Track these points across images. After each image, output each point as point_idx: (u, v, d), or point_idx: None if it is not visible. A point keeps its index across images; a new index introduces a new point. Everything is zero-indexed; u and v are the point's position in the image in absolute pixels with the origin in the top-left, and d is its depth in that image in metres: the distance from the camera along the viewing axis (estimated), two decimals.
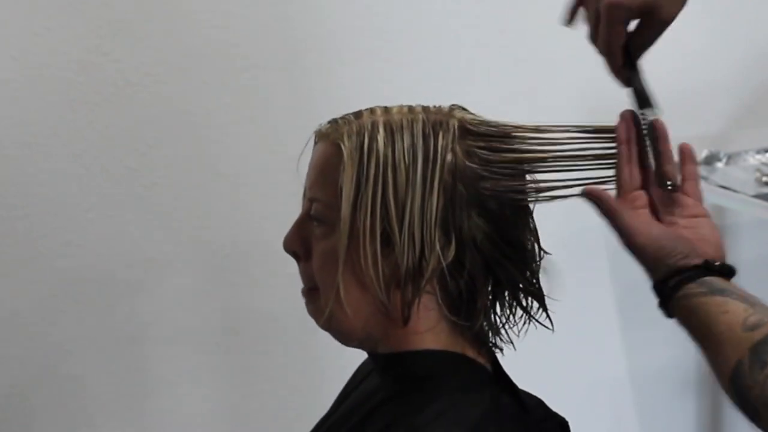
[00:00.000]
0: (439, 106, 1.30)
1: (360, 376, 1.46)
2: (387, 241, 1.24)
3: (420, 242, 1.23)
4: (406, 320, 1.27)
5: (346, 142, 1.25)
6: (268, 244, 2.07)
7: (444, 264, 1.24)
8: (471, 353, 1.32)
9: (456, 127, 1.27)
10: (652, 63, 2.70)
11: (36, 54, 2.03)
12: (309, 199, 1.30)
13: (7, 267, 2.09)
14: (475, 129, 1.27)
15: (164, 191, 2.17)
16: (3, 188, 2.05)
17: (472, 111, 1.32)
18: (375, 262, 1.24)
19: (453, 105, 1.31)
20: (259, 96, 2.22)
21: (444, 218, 1.24)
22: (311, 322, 1.34)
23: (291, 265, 1.36)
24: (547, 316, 1.35)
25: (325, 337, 1.34)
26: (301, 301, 1.36)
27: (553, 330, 1.36)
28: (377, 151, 1.24)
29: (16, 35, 2.02)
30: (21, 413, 2.15)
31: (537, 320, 1.35)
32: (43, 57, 2.04)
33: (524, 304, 1.33)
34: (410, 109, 1.29)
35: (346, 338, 1.32)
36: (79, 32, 2.05)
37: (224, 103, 2.19)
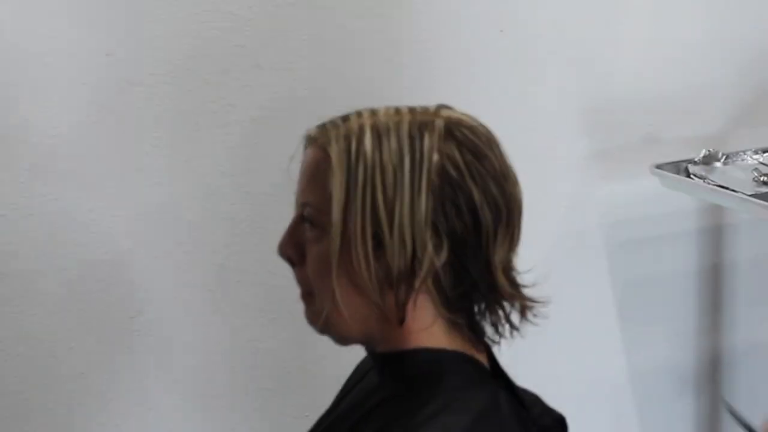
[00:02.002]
0: (426, 106, 1.31)
1: (359, 374, 1.46)
2: (379, 243, 1.24)
3: (411, 243, 1.24)
4: (401, 320, 1.28)
5: (334, 147, 1.26)
6: (269, 244, 2.08)
7: (438, 265, 1.25)
8: (468, 350, 1.32)
9: (442, 127, 1.27)
10: (652, 63, 2.73)
11: (38, 54, 2.04)
12: (301, 204, 1.31)
13: (10, 266, 2.10)
14: (458, 132, 1.28)
15: (167, 191, 2.18)
16: (6, 187, 2.06)
17: (468, 111, 1.33)
18: (367, 265, 1.24)
19: (440, 105, 1.32)
20: (261, 96, 2.22)
21: (434, 219, 1.24)
22: None
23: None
24: (524, 317, 1.34)
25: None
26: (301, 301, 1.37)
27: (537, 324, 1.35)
28: (365, 154, 1.24)
29: (19, 36, 2.03)
30: (22, 413, 2.16)
31: (513, 324, 1.35)
32: (45, 57, 2.05)
33: (505, 305, 1.34)
34: (397, 110, 1.29)
35: (343, 340, 1.33)
36: (82, 33, 2.06)
37: (227, 103, 2.20)
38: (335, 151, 1.25)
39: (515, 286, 1.32)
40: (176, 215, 2.20)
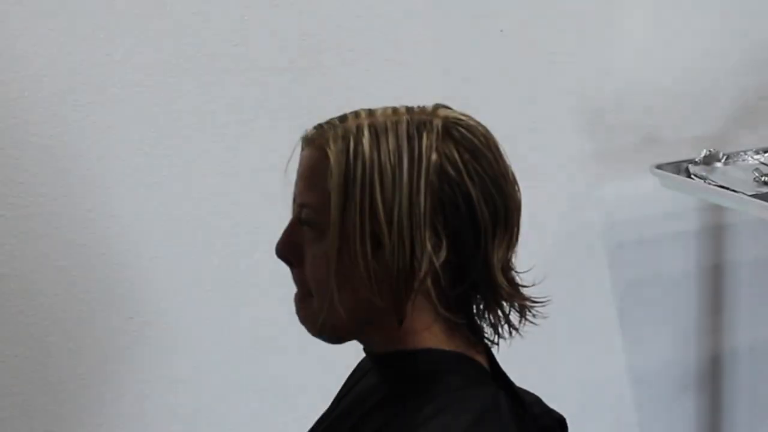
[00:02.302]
0: (423, 106, 1.31)
1: (358, 374, 1.47)
2: (377, 243, 1.24)
3: (410, 243, 1.23)
4: (401, 321, 1.28)
5: (332, 147, 1.26)
6: (270, 245, 2.07)
7: (437, 264, 1.25)
8: (467, 351, 1.32)
9: (440, 126, 1.27)
10: (652, 64, 2.73)
11: (37, 54, 2.04)
12: (299, 205, 1.31)
13: (10, 266, 2.10)
14: (456, 131, 1.28)
15: (166, 191, 2.18)
16: (5, 188, 2.06)
17: (468, 111, 1.33)
18: (366, 264, 1.24)
19: (437, 104, 1.32)
20: (260, 96, 2.22)
21: (433, 218, 1.24)
22: None
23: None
24: (524, 317, 1.34)
25: None
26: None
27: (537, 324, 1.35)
28: (363, 154, 1.24)
29: (18, 35, 2.03)
30: (22, 413, 2.16)
31: (511, 324, 1.34)
32: (44, 56, 2.05)
33: (504, 305, 1.33)
34: (394, 110, 1.29)
35: (338, 340, 1.33)
36: (82, 33, 2.06)
37: (225, 104, 2.20)
38: (333, 152, 1.25)
39: (514, 285, 1.32)
40: (175, 216, 2.20)
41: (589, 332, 2.70)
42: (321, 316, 1.28)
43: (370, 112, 1.29)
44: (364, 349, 1.37)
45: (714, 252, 2.82)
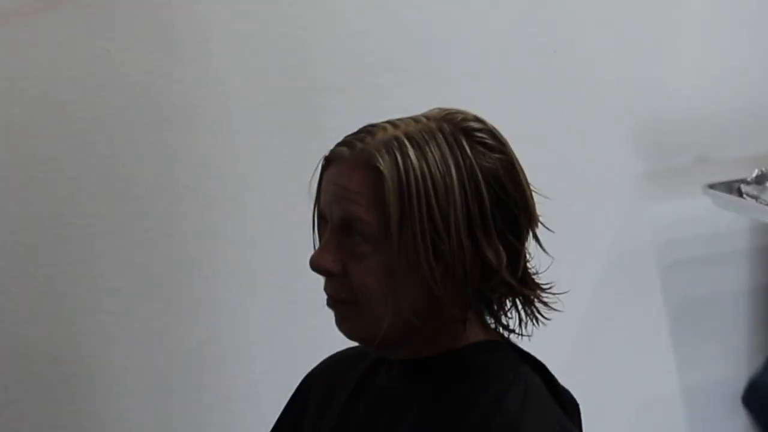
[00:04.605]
0: (431, 113, 1.35)
1: (343, 384, 1.47)
2: (437, 249, 1.28)
3: (469, 245, 1.28)
4: (465, 321, 1.32)
5: (381, 161, 1.28)
6: (274, 247, 2.09)
7: (504, 262, 1.29)
8: (500, 337, 1.38)
9: (470, 131, 1.31)
10: (703, 82, 2.73)
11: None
12: (343, 219, 1.32)
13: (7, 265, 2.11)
14: (481, 134, 1.32)
15: (166, 192, 2.20)
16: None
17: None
18: (431, 272, 1.28)
19: (441, 108, 1.35)
20: (264, 97, 2.25)
21: (484, 220, 1.29)
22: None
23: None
24: (534, 315, 1.37)
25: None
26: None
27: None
28: (413, 165, 1.28)
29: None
30: (21, 414, 2.15)
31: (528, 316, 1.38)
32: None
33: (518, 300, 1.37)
34: (415, 119, 1.33)
35: (395, 348, 1.35)
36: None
37: (230, 108, 2.22)
38: (384, 165, 1.28)
39: (531, 277, 1.36)
40: (177, 216, 2.21)
41: (640, 350, 2.70)
42: (376, 325, 1.31)
43: (393, 124, 1.33)
44: (397, 355, 1.38)
45: (766, 271, 2.81)
